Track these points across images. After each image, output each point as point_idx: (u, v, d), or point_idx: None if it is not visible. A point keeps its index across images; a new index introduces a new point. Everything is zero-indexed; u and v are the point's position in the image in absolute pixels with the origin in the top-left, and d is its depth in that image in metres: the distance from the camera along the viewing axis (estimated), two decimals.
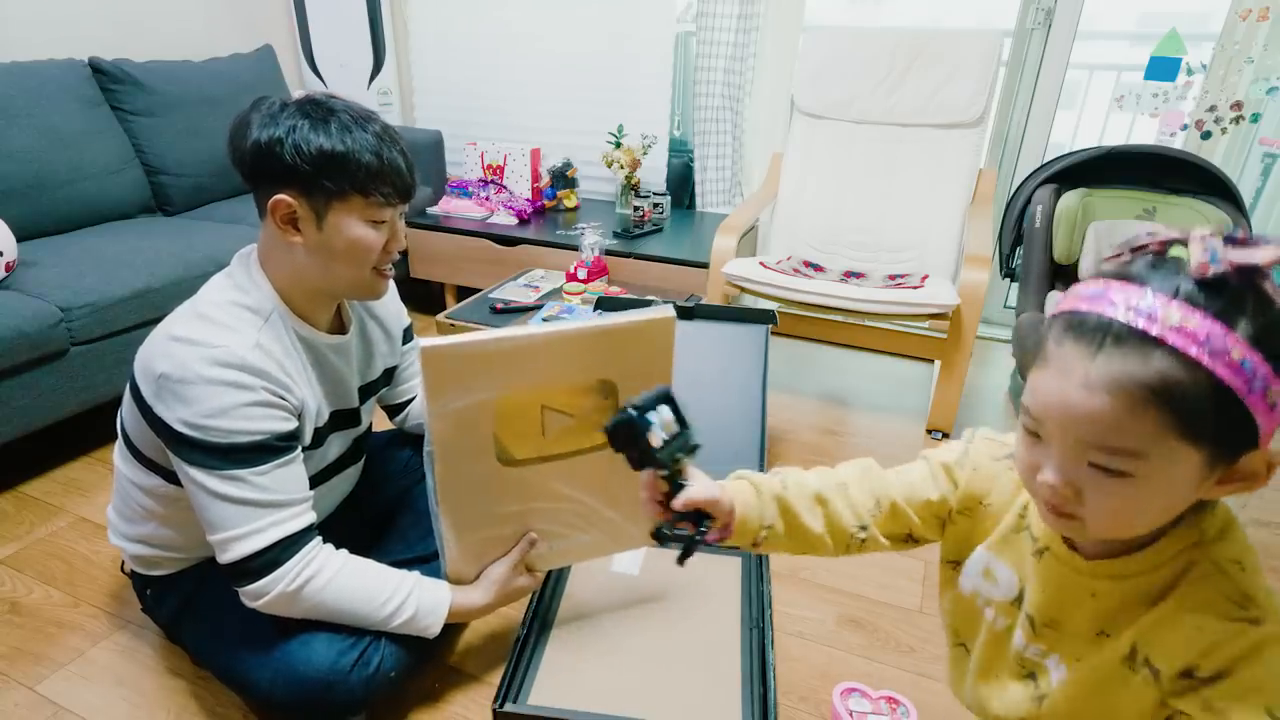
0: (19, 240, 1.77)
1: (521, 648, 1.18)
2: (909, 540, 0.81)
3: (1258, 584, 0.58)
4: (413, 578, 1.07)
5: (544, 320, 1.94)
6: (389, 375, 1.29)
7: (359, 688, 1.02)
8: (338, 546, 1.04)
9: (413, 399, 1.38)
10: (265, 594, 0.96)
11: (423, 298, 2.82)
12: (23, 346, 1.57)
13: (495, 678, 1.20)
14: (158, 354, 0.93)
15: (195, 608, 1.11)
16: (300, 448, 1.01)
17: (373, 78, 3.03)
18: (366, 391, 1.21)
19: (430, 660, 1.22)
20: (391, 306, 1.26)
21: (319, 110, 0.95)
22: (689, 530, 0.74)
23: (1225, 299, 0.49)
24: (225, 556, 0.95)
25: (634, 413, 0.70)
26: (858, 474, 0.82)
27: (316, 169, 0.93)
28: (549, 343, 1.00)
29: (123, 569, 1.20)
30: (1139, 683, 0.61)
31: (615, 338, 1.03)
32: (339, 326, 1.13)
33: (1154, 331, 0.49)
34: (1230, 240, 0.49)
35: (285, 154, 0.92)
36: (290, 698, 1.00)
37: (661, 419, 0.72)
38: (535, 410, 1.05)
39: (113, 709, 1.16)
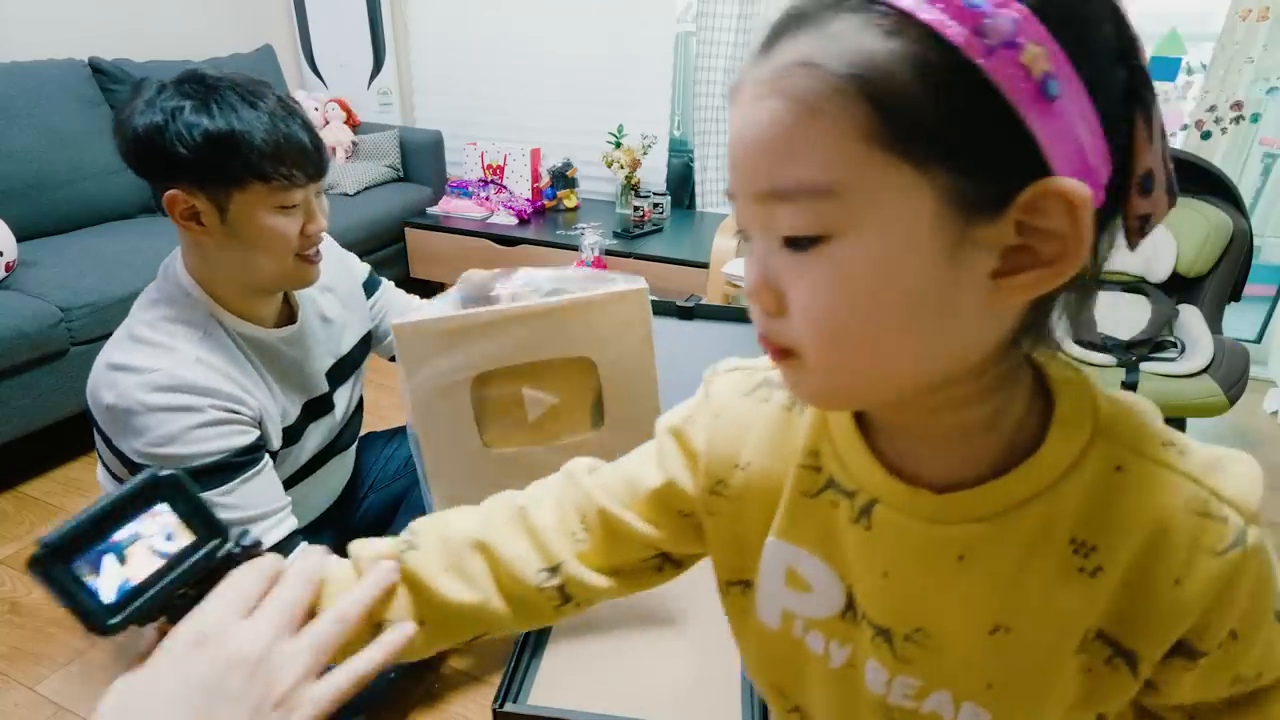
0: (19, 240, 1.77)
1: (521, 648, 1.18)
2: (664, 565, 0.52)
3: (1209, 461, 0.37)
4: None
5: None
6: (365, 343, 1.22)
7: None
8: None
9: None
10: None
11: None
12: (23, 346, 1.57)
13: (495, 678, 1.20)
14: (102, 385, 0.89)
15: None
16: (265, 456, 0.97)
17: (373, 78, 3.03)
18: (340, 371, 1.15)
19: (430, 660, 1.22)
20: (339, 273, 1.15)
21: (201, 89, 0.84)
22: None
23: None
24: None
25: (45, 551, 0.38)
26: (558, 485, 0.54)
27: (206, 157, 0.83)
28: (519, 318, 1.00)
29: None
30: (1103, 681, 0.39)
31: (585, 311, 1.01)
32: (289, 315, 1.06)
33: None
34: None
35: (169, 142, 0.83)
36: None
37: (154, 530, 0.41)
38: (517, 393, 1.05)
39: None
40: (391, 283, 1.31)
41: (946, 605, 0.40)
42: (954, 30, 0.28)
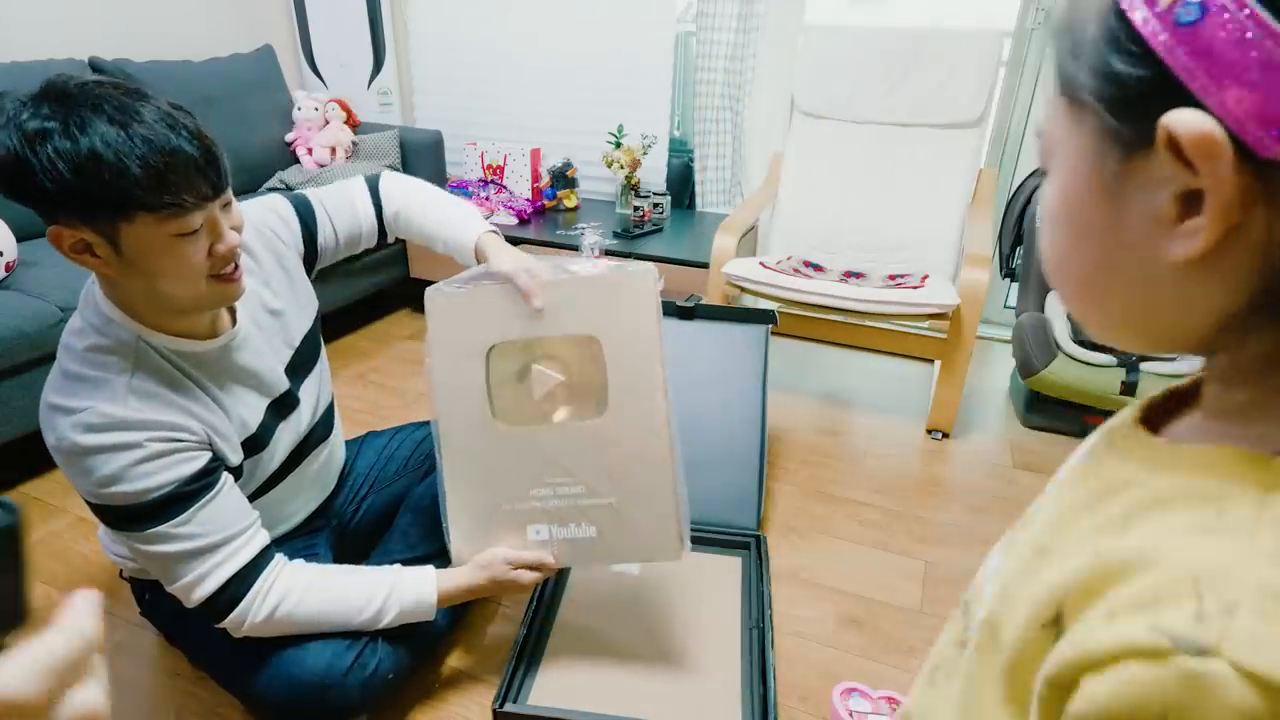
0: (19, 240, 1.77)
1: (521, 648, 1.18)
2: None
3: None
4: (390, 577, 1.04)
5: None
6: (319, 324, 1.16)
7: (356, 690, 1.01)
8: (336, 548, 1.03)
9: (368, 225, 1.17)
10: (240, 625, 0.95)
11: (422, 297, 2.82)
12: (23, 346, 1.57)
13: (495, 678, 1.20)
14: (44, 425, 0.86)
15: (189, 613, 1.10)
16: (222, 476, 0.94)
17: (373, 78, 3.03)
18: (300, 362, 1.10)
19: (429, 660, 1.22)
20: (269, 260, 1.05)
21: (63, 107, 0.73)
22: None
23: None
24: (188, 603, 0.94)
25: None
26: None
27: (76, 190, 0.73)
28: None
29: (121, 574, 1.20)
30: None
31: (595, 291, 1.03)
32: (229, 318, 0.98)
33: None
34: None
35: (34, 175, 0.72)
36: (286, 701, 1.00)
37: None
38: (527, 369, 1.07)
39: (113, 709, 1.15)
40: (321, 192, 1.15)
41: (1043, 512, 0.41)
42: None
